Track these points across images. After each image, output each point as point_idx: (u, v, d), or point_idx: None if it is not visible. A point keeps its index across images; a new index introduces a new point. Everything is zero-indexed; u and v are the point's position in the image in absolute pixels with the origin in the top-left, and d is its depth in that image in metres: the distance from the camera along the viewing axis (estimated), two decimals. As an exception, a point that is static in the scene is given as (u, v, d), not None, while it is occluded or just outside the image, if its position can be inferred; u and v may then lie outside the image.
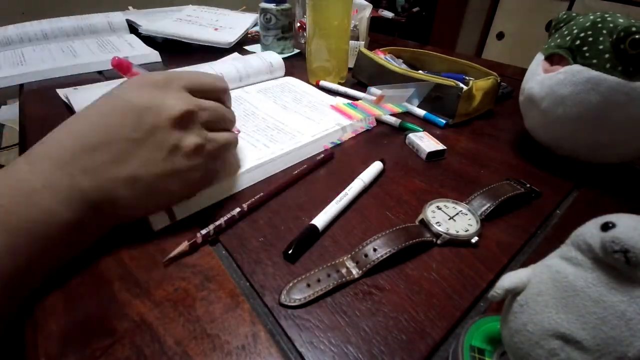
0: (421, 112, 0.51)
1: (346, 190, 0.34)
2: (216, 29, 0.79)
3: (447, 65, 0.61)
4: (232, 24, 0.82)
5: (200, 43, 0.74)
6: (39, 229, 0.23)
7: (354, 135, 0.47)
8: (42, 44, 0.71)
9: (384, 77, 0.56)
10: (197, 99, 0.29)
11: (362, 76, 0.62)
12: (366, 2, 0.71)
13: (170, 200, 0.30)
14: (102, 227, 0.28)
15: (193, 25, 0.81)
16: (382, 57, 0.59)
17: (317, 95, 0.55)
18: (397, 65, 0.55)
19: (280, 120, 0.47)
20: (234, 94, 0.53)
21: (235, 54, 0.71)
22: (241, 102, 0.52)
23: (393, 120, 0.49)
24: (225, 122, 0.33)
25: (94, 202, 0.26)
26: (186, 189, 0.30)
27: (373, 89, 0.56)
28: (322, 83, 0.59)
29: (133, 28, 0.81)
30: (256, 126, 0.45)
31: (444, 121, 0.49)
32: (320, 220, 0.31)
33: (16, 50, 0.67)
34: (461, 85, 0.48)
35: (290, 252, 0.28)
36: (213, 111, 0.31)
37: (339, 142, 0.45)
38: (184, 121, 0.28)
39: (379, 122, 0.50)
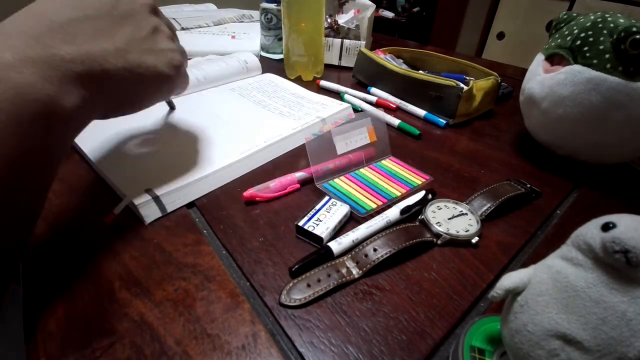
0: (421, 113, 0.51)
1: (379, 217, 0.31)
2: (233, 37, 0.78)
3: (447, 65, 0.61)
4: (242, 29, 0.83)
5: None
6: (19, 109, 0.20)
7: (334, 126, 0.47)
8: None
9: (384, 77, 0.56)
10: None
11: (362, 76, 0.62)
12: (369, 2, 0.70)
13: (161, 84, 0.30)
14: (90, 109, 0.25)
15: (206, 35, 0.79)
16: (382, 57, 0.59)
17: (297, 90, 0.55)
18: (397, 65, 0.55)
19: (261, 115, 0.47)
20: (207, 93, 0.53)
21: (210, 55, 0.67)
22: (217, 99, 0.51)
23: (392, 119, 0.49)
24: (174, 37, 0.34)
25: (79, 73, 0.23)
26: (172, 69, 0.30)
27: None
28: (322, 83, 0.59)
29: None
30: (237, 121, 0.45)
31: (444, 121, 0.49)
32: (336, 244, 0.28)
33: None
34: (461, 85, 0.48)
35: (293, 269, 0.27)
36: (167, 20, 0.32)
37: (320, 133, 0.45)
38: (157, 11, 0.30)
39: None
